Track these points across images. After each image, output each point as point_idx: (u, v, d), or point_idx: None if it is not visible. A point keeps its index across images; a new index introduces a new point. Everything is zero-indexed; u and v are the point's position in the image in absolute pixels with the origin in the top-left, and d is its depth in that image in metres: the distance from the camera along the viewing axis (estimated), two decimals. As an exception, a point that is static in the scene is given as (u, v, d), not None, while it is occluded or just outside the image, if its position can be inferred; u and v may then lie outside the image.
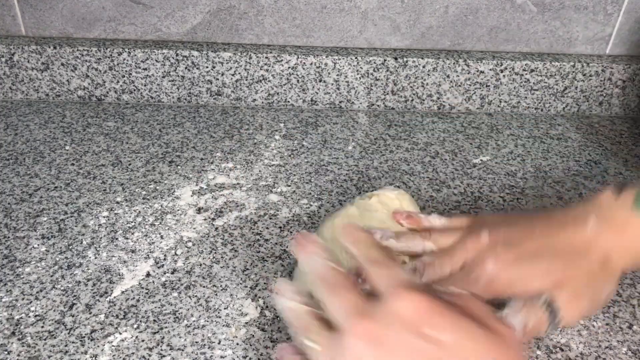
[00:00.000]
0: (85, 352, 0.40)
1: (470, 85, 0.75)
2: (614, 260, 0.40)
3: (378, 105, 0.75)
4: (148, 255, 0.49)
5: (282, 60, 0.71)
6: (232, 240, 0.51)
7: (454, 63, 0.73)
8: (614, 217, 0.40)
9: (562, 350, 0.42)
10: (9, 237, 0.51)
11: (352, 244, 0.36)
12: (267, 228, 0.53)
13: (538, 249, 0.39)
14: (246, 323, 0.43)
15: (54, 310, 0.43)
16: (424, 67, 0.73)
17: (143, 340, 0.41)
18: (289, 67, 0.72)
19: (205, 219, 0.54)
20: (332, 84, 0.73)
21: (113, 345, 0.41)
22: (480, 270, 0.38)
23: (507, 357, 0.29)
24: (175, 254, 0.49)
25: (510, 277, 0.39)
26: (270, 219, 0.54)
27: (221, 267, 0.48)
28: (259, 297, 0.45)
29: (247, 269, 0.48)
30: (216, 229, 0.53)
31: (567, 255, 0.39)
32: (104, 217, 0.53)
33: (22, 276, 0.46)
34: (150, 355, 0.40)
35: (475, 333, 0.29)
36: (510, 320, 0.38)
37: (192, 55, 0.71)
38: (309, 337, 0.32)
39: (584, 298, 0.39)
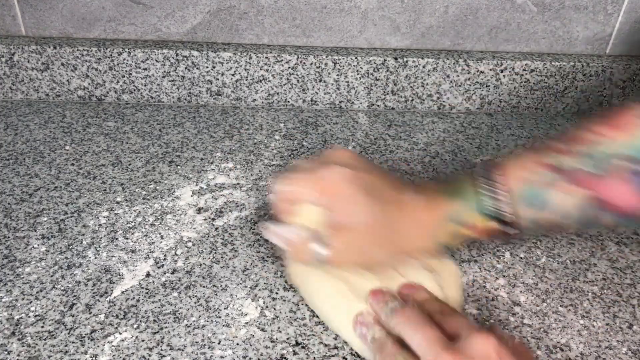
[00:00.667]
0: (85, 352, 0.40)
1: (470, 85, 0.75)
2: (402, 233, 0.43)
3: (378, 105, 0.75)
4: (148, 255, 0.49)
5: (282, 60, 0.71)
6: (232, 240, 0.51)
7: (454, 63, 0.73)
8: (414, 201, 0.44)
9: (562, 350, 0.42)
10: (9, 237, 0.51)
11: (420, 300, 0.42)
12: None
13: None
14: (246, 323, 0.43)
15: (54, 310, 0.43)
16: (424, 67, 0.73)
17: (143, 340, 0.41)
18: (289, 67, 0.72)
19: (205, 219, 0.54)
20: (332, 84, 0.73)
21: (113, 345, 0.41)
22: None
23: None
24: (175, 254, 0.49)
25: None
26: (270, 219, 0.54)
27: (221, 267, 0.48)
28: (259, 297, 0.45)
29: (247, 269, 0.48)
30: (216, 229, 0.53)
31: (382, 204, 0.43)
32: (104, 217, 0.53)
33: (22, 276, 0.46)
34: (150, 355, 0.40)
35: None
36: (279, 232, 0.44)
37: (192, 55, 0.71)
38: (401, 357, 0.37)
39: (348, 238, 0.42)
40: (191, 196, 0.57)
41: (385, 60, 0.72)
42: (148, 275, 0.47)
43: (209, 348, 0.41)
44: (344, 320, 0.42)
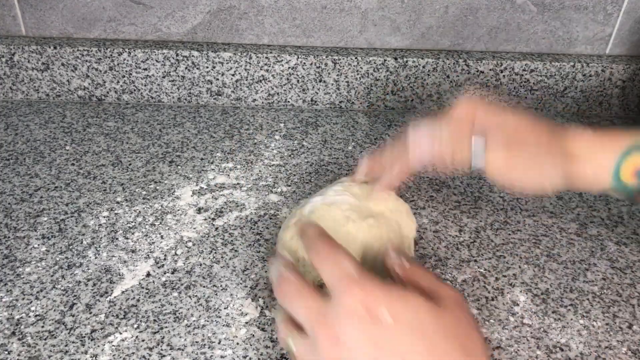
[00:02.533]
0: (86, 352, 0.40)
1: (470, 85, 0.75)
2: (567, 153, 0.42)
3: (378, 106, 0.75)
4: (148, 255, 0.49)
5: (282, 60, 0.71)
6: (232, 240, 0.51)
7: (454, 63, 0.73)
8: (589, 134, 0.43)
9: (562, 350, 0.42)
10: (9, 237, 0.51)
11: (302, 238, 0.37)
12: (267, 228, 0.53)
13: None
14: (246, 323, 0.43)
15: (54, 310, 0.43)
16: (424, 67, 0.73)
17: (143, 340, 0.41)
18: (289, 67, 0.72)
19: (205, 219, 0.54)
20: (332, 84, 0.73)
21: (113, 345, 0.41)
22: None
23: (453, 322, 0.31)
24: (176, 254, 0.49)
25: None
26: (270, 219, 0.54)
27: (221, 267, 0.48)
28: (259, 297, 0.45)
29: (247, 269, 0.48)
30: (216, 229, 0.53)
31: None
32: (104, 217, 0.53)
33: (22, 276, 0.46)
34: (150, 355, 0.40)
35: (420, 307, 0.31)
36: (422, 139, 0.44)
37: (192, 56, 0.71)
38: (291, 339, 0.34)
39: (509, 154, 0.42)
40: (191, 196, 0.57)
41: (385, 60, 0.72)
42: (148, 275, 0.47)
43: (209, 348, 0.41)
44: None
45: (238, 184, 0.59)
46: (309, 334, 0.33)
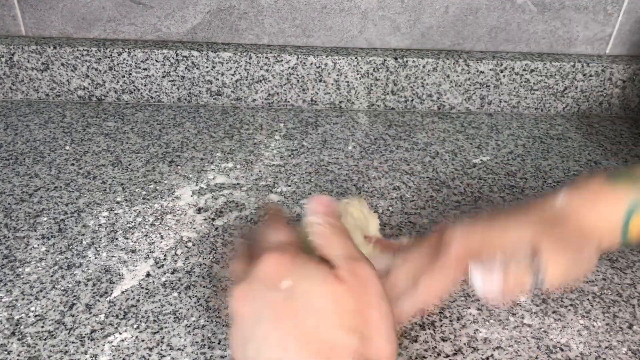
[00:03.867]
0: (85, 352, 0.40)
1: (470, 85, 0.75)
2: (589, 228, 0.39)
3: (378, 105, 0.75)
4: (148, 255, 0.49)
5: (282, 60, 0.71)
6: (232, 240, 0.51)
7: (454, 63, 0.73)
8: (587, 189, 0.40)
9: (562, 350, 0.42)
10: (9, 237, 0.51)
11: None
12: (267, 228, 0.53)
13: (508, 221, 0.39)
14: (246, 323, 0.43)
15: (54, 310, 0.43)
16: (424, 67, 0.73)
17: (143, 340, 0.41)
18: (289, 67, 0.72)
19: (205, 219, 0.54)
20: (332, 84, 0.73)
21: (113, 345, 0.41)
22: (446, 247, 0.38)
23: (348, 299, 0.32)
24: (175, 254, 0.49)
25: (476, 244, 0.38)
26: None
27: (221, 267, 0.48)
28: (259, 297, 0.45)
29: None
30: (216, 229, 0.53)
31: (539, 223, 0.39)
32: (104, 217, 0.53)
33: (22, 276, 0.46)
34: (150, 355, 0.40)
35: (316, 277, 0.33)
36: (484, 279, 0.37)
37: (192, 55, 0.71)
38: None
39: (565, 258, 0.38)
40: (191, 196, 0.57)
41: (385, 60, 0.72)
42: (148, 275, 0.47)
43: (209, 348, 0.41)
44: None
45: (238, 184, 0.59)
46: None
